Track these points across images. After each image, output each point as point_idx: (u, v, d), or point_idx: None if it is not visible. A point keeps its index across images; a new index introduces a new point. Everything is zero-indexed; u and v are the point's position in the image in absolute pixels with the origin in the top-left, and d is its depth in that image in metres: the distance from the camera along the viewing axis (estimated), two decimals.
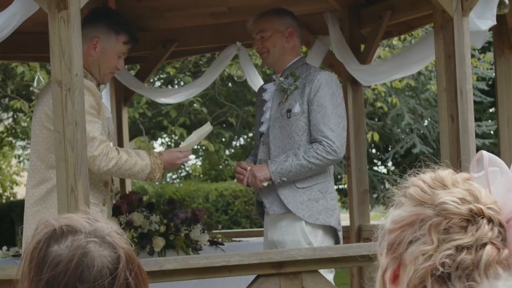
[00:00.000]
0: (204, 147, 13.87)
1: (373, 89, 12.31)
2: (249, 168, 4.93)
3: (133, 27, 5.01)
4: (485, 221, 1.47)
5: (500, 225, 1.49)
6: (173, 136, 13.79)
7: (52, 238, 1.65)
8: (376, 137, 12.61)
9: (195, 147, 14.55)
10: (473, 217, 1.47)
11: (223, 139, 13.75)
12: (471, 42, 4.61)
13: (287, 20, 5.03)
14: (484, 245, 1.46)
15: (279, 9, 5.13)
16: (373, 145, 14.52)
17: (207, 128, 4.84)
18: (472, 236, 1.45)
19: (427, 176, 1.55)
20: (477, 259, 1.45)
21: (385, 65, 5.71)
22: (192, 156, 17.07)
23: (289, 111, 4.90)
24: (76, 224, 1.67)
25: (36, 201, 4.50)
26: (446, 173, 1.55)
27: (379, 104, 13.16)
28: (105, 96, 5.93)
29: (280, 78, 4.97)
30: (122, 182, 6.56)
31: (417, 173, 1.62)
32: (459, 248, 1.45)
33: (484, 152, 1.59)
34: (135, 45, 4.89)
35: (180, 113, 13.03)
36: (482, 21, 4.65)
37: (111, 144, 4.64)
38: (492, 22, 4.73)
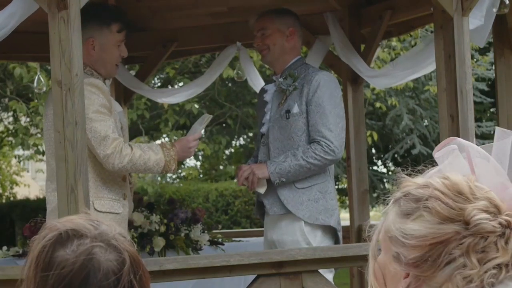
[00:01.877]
0: (202, 151, 13.81)
1: (373, 89, 12.26)
2: (248, 166, 4.93)
3: (121, 11, 4.92)
4: (510, 231, 1.52)
5: None
6: (174, 138, 13.76)
7: (58, 242, 1.65)
8: (375, 136, 12.57)
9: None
10: (503, 231, 1.52)
11: (221, 142, 13.70)
12: (472, 41, 4.59)
13: (289, 19, 5.03)
14: None
15: (282, 9, 5.12)
16: (373, 145, 14.49)
17: (206, 117, 4.80)
18: (507, 253, 1.50)
19: (439, 183, 1.55)
20: None
21: (399, 68, 5.59)
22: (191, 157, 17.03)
23: (288, 112, 4.89)
24: (81, 228, 1.67)
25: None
26: (458, 179, 1.56)
27: (378, 105, 13.12)
28: None
29: (279, 79, 4.96)
30: None
31: (417, 173, 1.62)
32: (499, 267, 1.50)
33: (458, 139, 1.61)
34: (130, 29, 4.82)
35: (179, 115, 13.00)
36: (470, 20, 4.63)
37: (124, 140, 4.55)
38: (480, 22, 4.71)
